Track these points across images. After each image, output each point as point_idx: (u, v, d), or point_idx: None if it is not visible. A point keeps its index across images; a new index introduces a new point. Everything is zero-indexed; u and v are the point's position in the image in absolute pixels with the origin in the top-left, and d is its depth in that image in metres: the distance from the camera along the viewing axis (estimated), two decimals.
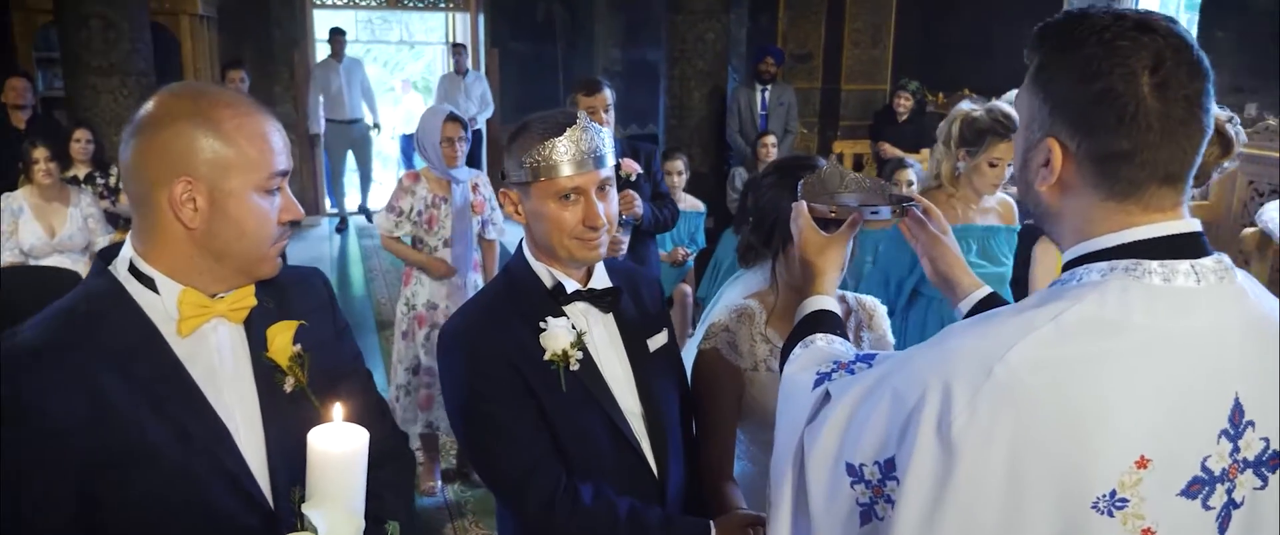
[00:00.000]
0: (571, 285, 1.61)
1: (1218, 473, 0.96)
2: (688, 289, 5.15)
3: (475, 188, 3.83)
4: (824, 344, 1.36)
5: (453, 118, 3.69)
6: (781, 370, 1.40)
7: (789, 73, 7.34)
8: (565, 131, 1.51)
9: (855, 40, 7.53)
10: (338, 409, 1.15)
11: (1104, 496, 0.93)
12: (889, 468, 1.04)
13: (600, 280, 1.68)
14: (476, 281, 3.88)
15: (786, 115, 7.06)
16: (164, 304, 1.23)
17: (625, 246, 3.58)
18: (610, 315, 1.67)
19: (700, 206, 5.43)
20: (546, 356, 1.55)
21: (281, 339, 1.32)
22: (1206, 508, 0.96)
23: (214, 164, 1.18)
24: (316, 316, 1.42)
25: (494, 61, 9.22)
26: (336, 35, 8.51)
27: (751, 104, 7.08)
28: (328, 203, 9.42)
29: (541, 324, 1.56)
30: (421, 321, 3.79)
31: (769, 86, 7.07)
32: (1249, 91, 4.96)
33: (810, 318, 1.45)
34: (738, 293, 1.97)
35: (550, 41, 9.32)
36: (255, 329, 1.31)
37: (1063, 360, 0.94)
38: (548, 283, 1.61)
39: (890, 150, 6.68)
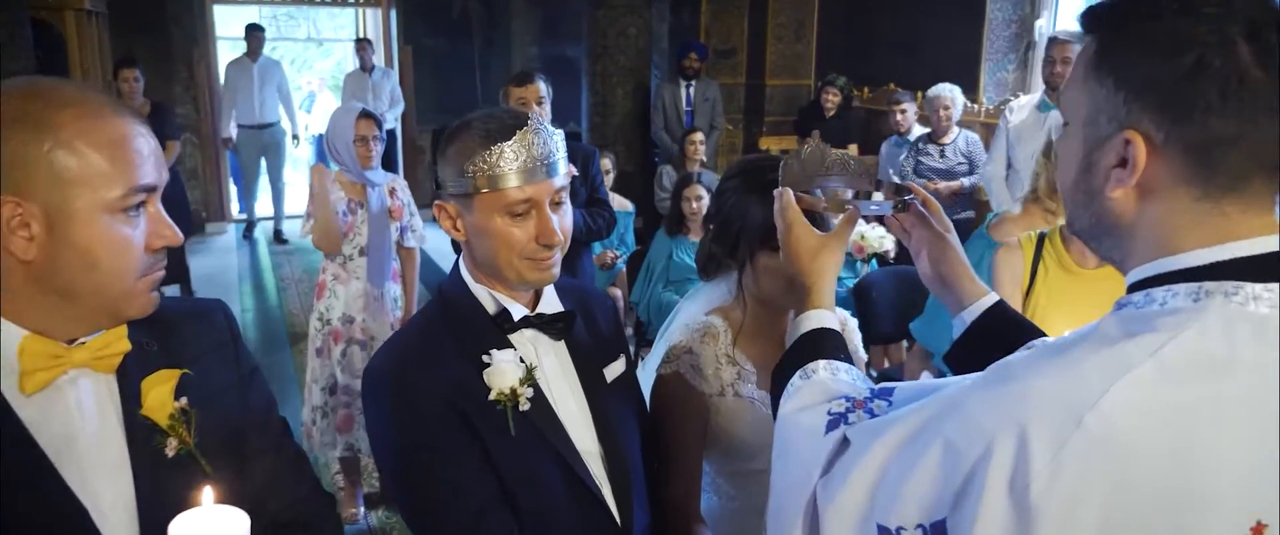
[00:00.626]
0: (518, 311, 1.41)
1: None
2: (618, 293, 4.96)
3: (393, 192, 3.57)
4: (827, 375, 1.17)
5: (365, 115, 3.42)
6: (775, 405, 1.22)
7: (713, 68, 7.22)
8: (514, 134, 1.29)
9: (778, 35, 7.44)
10: (207, 492, 0.92)
11: None
12: (938, 532, 0.86)
13: (550, 303, 1.47)
14: (396, 293, 3.62)
15: (712, 111, 6.93)
16: (2, 354, 0.98)
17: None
18: (562, 343, 1.46)
19: (628, 206, 5.24)
20: (492, 396, 1.34)
21: (159, 392, 1.07)
22: None
23: (52, 179, 0.94)
24: (214, 359, 1.19)
25: (407, 59, 8.86)
26: (254, 32, 8.04)
27: (676, 100, 6.93)
28: (236, 207, 8.94)
29: (485, 358, 1.35)
30: (337, 336, 3.52)
31: (693, 82, 6.92)
32: None
33: (807, 338, 1.24)
34: (698, 308, 1.79)
35: (466, 38, 9.01)
36: (131, 380, 1.06)
37: (1170, 407, 0.77)
38: (490, 308, 1.40)
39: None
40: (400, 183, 3.63)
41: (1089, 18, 0.89)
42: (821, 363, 1.19)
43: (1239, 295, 0.80)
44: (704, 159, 6.04)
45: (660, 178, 6.37)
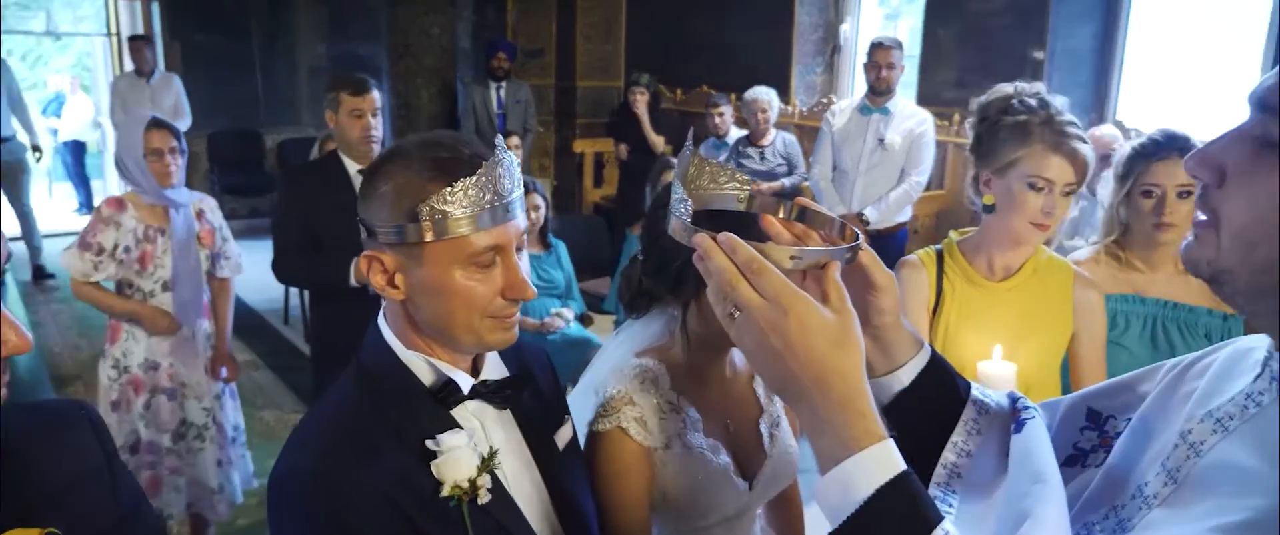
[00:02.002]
0: (465, 380, 1.16)
1: None
2: None
3: (201, 214, 3.10)
4: None
5: (158, 124, 2.95)
6: None
7: (521, 69, 6.97)
8: (478, 169, 1.05)
9: (588, 35, 7.30)
10: None
11: None
12: None
13: (493, 367, 1.23)
14: (208, 330, 3.16)
15: (525, 113, 6.69)
16: None
17: None
18: (507, 412, 1.23)
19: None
20: (446, 491, 1.09)
21: None
22: None
23: None
24: (88, 489, 0.87)
25: (175, 57, 7.96)
26: None
27: (487, 102, 6.64)
28: None
29: (429, 443, 1.10)
30: (138, 386, 3.02)
31: (503, 84, 6.66)
32: (972, 86, 5.31)
33: (883, 503, 0.76)
34: (626, 349, 1.59)
35: (243, 35, 8.24)
36: None
37: None
38: (428, 380, 1.15)
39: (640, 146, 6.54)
40: (208, 203, 3.17)
41: None
42: None
43: None
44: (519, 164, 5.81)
45: None
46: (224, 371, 3.16)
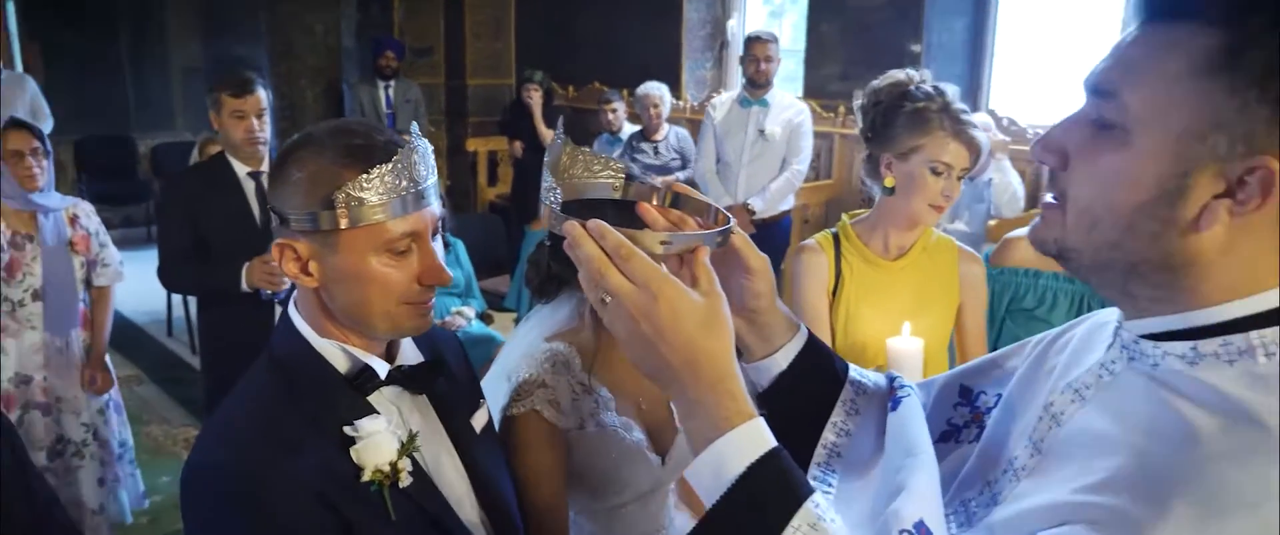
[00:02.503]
0: (382, 366, 1.15)
1: None
2: None
3: (74, 220, 2.95)
4: (827, 528, 0.77)
5: (17, 124, 2.79)
6: None
7: (409, 68, 6.84)
8: (394, 155, 1.05)
9: (477, 33, 7.21)
10: None
11: None
12: None
13: (407, 353, 1.23)
14: (86, 341, 3.00)
15: (415, 113, 6.56)
16: None
17: (287, 280, 2.96)
18: (423, 397, 1.23)
19: None
20: (367, 477, 1.08)
21: None
22: None
23: None
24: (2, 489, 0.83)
25: (35, 58, 7.50)
26: None
27: (375, 102, 6.49)
28: None
29: (347, 430, 1.08)
30: (10, 402, 2.85)
31: (392, 83, 6.53)
32: (856, 79, 5.49)
33: (757, 481, 0.77)
34: (536, 334, 1.61)
35: (110, 33, 7.82)
36: None
37: None
38: (343, 367, 1.13)
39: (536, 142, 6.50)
40: (83, 208, 3.01)
41: (1214, 5, 0.70)
42: (800, 517, 0.76)
43: None
44: None
45: None
46: (96, 382, 3.01)
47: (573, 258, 0.83)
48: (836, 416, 1.02)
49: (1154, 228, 0.73)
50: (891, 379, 1.06)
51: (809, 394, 1.02)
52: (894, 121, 1.99)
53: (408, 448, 1.11)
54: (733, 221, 0.94)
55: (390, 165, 1.04)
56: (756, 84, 4.73)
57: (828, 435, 1.01)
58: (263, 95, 3.03)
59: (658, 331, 0.79)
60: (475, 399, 1.35)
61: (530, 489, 1.46)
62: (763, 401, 1.01)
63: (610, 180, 0.98)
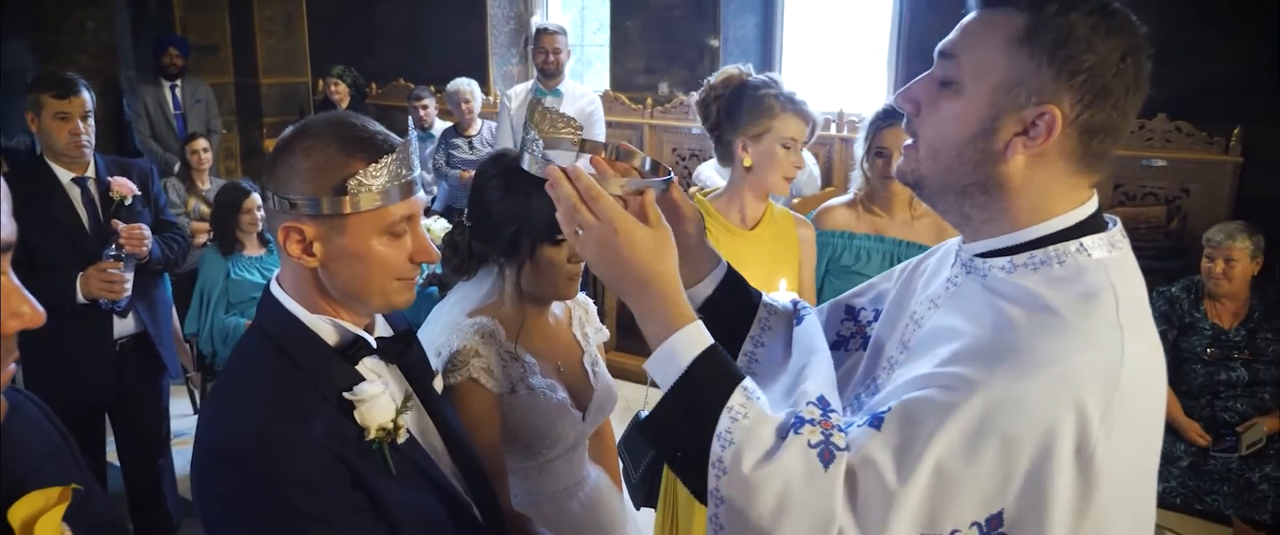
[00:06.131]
0: (369, 338, 1.26)
1: None
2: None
3: None
4: (754, 408, 0.99)
5: None
6: (696, 475, 0.99)
7: (195, 67, 6.48)
8: (396, 148, 1.17)
9: (267, 30, 6.91)
10: None
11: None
12: (994, 523, 0.91)
13: (381, 326, 1.34)
14: None
15: (206, 113, 6.24)
16: None
17: (128, 287, 2.86)
18: (395, 366, 1.35)
19: None
20: (371, 435, 1.19)
21: (47, 525, 0.80)
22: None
23: None
24: (55, 466, 0.90)
25: None
26: None
27: (161, 103, 6.10)
28: None
29: (347, 395, 1.19)
30: None
31: (178, 82, 6.17)
32: (660, 72, 5.84)
33: (698, 371, 1.00)
34: (458, 310, 1.74)
35: None
36: None
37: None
38: (333, 340, 1.24)
39: None
40: None
41: None
42: (737, 395, 0.99)
43: (1102, 244, 1.00)
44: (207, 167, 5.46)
45: (164, 190, 5.60)
46: None
47: (552, 195, 1.06)
48: (754, 330, 1.29)
49: (976, 157, 1.00)
50: (795, 303, 1.33)
51: (730, 314, 1.28)
52: (739, 110, 2.27)
53: (404, 407, 1.24)
54: (672, 174, 1.18)
55: (394, 155, 1.16)
56: (548, 74, 4.89)
57: (747, 346, 1.28)
58: (87, 97, 2.90)
59: (619, 256, 1.03)
60: (429, 365, 1.48)
61: (476, 450, 1.60)
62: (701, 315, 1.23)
63: (570, 136, 1.20)
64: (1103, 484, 0.90)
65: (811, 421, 0.98)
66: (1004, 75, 0.97)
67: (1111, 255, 1.01)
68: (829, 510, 0.92)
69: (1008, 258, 1.02)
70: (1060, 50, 0.94)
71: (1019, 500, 0.90)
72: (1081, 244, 1.00)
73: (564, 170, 1.04)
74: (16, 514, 0.78)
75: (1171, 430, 3.36)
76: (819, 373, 1.12)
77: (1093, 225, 1.02)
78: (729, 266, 1.28)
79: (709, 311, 1.24)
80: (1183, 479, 3.32)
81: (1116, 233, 1.04)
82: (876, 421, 0.96)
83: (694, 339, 1.02)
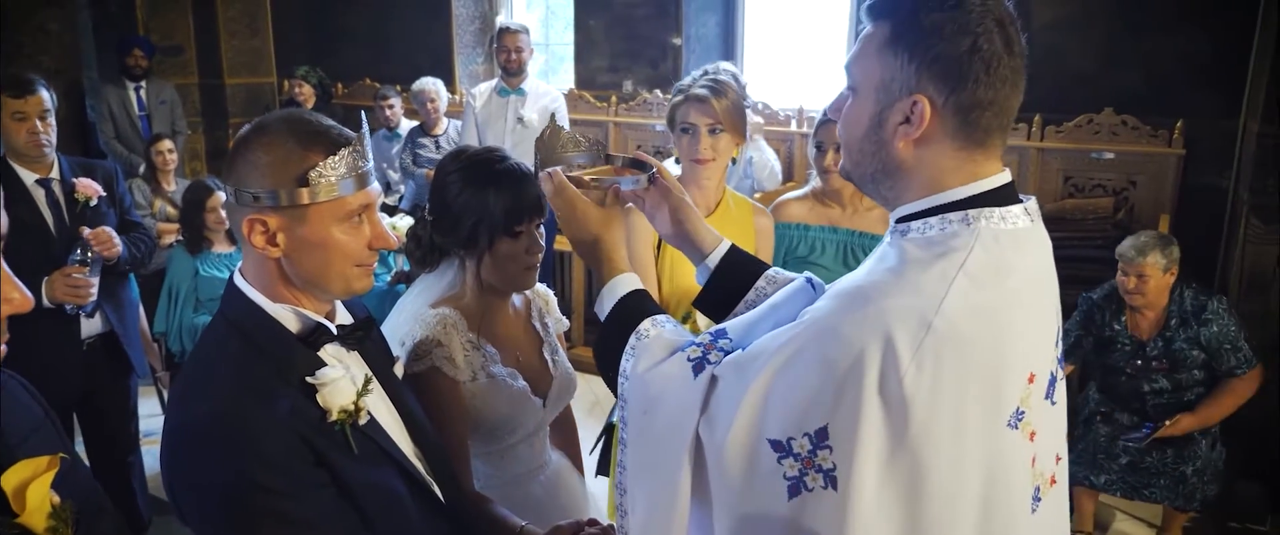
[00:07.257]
0: (329, 324, 1.33)
1: (1055, 373, 1.20)
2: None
3: None
4: (658, 330, 1.27)
5: None
6: (610, 374, 1.29)
7: (159, 68, 6.46)
8: (352, 141, 1.24)
9: (231, 30, 6.91)
10: None
11: (1013, 413, 1.10)
12: (821, 437, 1.05)
13: (343, 314, 1.41)
14: None
15: (171, 114, 6.24)
16: None
17: (94, 292, 2.89)
18: (356, 351, 1.42)
19: None
20: (333, 417, 1.26)
21: (36, 491, 0.87)
22: (1053, 403, 1.19)
23: None
24: (39, 440, 0.96)
25: None
26: None
27: (126, 104, 6.10)
28: None
29: (309, 379, 1.26)
30: None
31: (143, 83, 6.16)
32: (624, 70, 5.92)
33: (624, 304, 1.33)
34: (421, 301, 1.81)
35: None
36: None
37: (986, 305, 1.07)
38: (295, 327, 1.31)
39: None
40: None
41: (876, 9, 1.13)
42: (647, 322, 1.28)
43: (994, 216, 1.12)
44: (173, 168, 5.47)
45: (128, 191, 5.59)
46: None
47: (545, 190, 1.43)
48: (749, 296, 1.46)
49: (872, 148, 1.16)
50: (809, 279, 1.43)
51: (735, 283, 1.47)
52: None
53: (364, 390, 1.31)
54: (654, 169, 1.46)
55: (350, 148, 1.23)
56: (511, 72, 4.95)
57: (739, 308, 1.45)
58: (46, 96, 2.92)
59: (576, 224, 1.39)
60: (389, 351, 1.55)
61: (440, 435, 1.67)
62: (705, 291, 1.48)
63: (588, 150, 1.53)
64: (914, 416, 1.03)
65: (697, 343, 1.22)
66: (880, 76, 1.13)
67: (1003, 226, 1.12)
68: (690, 404, 1.16)
69: (904, 225, 1.18)
70: (918, 46, 1.09)
71: (839, 418, 1.04)
72: (966, 214, 1.12)
73: (550, 172, 1.42)
74: (9, 481, 0.85)
75: (1109, 421, 3.50)
76: (744, 319, 1.30)
77: (996, 198, 1.14)
78: (732, 246, 1.49)
79: (713, 286, 1.48)
80: (1122, 474, 3.45)
81: (1018, 209, 1.15)
82: (745, 346, 1.17)
83: (625, 283, 1.35)
